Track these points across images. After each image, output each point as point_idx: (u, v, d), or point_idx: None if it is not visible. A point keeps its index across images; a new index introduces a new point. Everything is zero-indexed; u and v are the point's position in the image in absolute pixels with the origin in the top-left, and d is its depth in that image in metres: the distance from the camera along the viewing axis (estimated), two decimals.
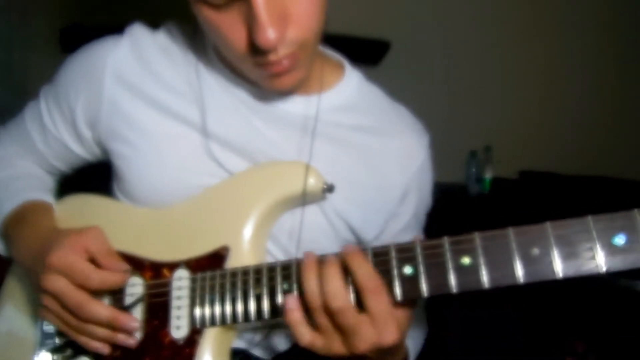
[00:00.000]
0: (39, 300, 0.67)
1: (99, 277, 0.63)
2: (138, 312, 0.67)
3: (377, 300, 0.55)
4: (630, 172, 2.31)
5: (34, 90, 0.81)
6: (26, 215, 0.74)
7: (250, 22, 0.57)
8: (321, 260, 0.57)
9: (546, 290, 1.76)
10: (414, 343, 0.77)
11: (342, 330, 0.56)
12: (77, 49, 0.77)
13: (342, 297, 0.54)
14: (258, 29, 0.57)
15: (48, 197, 0.79)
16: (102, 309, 0.63)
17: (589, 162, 2.43)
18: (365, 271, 0.55)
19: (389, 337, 0.55)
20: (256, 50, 0.59)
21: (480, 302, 1.71)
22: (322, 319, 0.56)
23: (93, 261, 0.65)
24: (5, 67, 1.93)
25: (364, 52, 2.07)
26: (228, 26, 0.60)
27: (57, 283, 0.63)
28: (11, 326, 0.77)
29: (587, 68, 2.48)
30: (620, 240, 0.49)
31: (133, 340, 0.65)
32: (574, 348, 1.85)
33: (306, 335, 0.57)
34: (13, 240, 0.74)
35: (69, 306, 0.63)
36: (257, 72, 0.64)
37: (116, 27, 0.76)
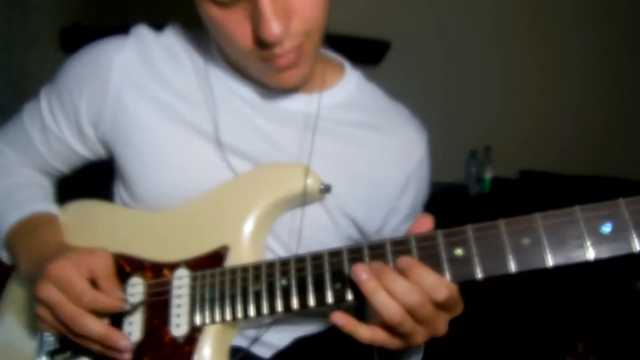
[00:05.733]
0: (34, 309, 0.67)
1: (91, 296, 0.63)
2: (139, 312, 0.67)
3: (450, 298, 0.54)
4: (630, 172, 2.31)
5: (34, 90, 0.81)
6: (35, 228, 0.74)
7: (256, 17, 0.59)
8: (375, 271, 0.55)
9: (547, 290, 1.76)
10: None
11: (424, 321, 0.55)
12: (77, 49, 0.77)
13: (415, 292, 0.53)
14: (263, 24, 0.58)
15: (53, 208, 0.79)
16: (95, 324, 0.62)
17: (589, 162, 2.43)
18: (430, 283, 0.53)
19: (461, 308, 0.58)
20: (262, 44, 0.61)
21: (480, 301, 1.71)
22: (407, 324, 0.54)
23: (93, 282, 0.65)
24: (5, 67, 1.94)
25: (364, 52, 2.06)
26: (234, 23, 0.62)
27: (51, 293, 0.62)
28: (12, 334, 0.77)
29: (587, 68, 2.48)
30: (606, 228, 0.51)
31: (127, 356, 0.64)
32: (574, 348, 1.85)
33: (367, 334, 0.56)
34: (20, 252, 0.73)
35: (61, 318, 0.63)
36: (263, 67, 0.65)
37: (116, 28, 0.76)
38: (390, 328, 0.55)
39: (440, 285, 0.53)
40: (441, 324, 0.57)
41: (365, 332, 0.56)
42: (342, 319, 0.56)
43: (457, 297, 0.56)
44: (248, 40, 0.62)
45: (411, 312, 0.54)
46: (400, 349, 0.58)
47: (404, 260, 0.55)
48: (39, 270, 0.65)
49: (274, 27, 0.58)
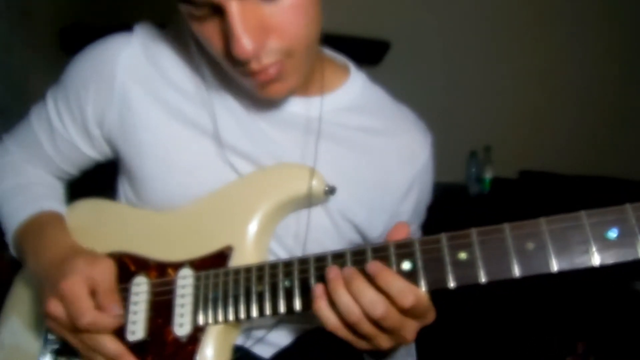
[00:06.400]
0: (43, 316, 0.67)
1: (91, 319, 0.62)
2: (142, 311, 0.67)
3: (417, 306, 0.55)
4: (630, 172, 2.31)
5: (34, 90, 0.81)
6: (42, 228, 0.74)
7: (228, 33, 0.57)
8: (344, 275, 0.56)
9: (546, 290, 1.76)
10: None
11: (388, 331, 0.56)
12: (77, 49, 0.76)
13: (381, 304, 0.54)
14: (233, 40, 0.57)
15: (61, 207, 0.79)
16: (111, 343, 0.63)
17: (589, 162, 2.44)
18: (397, 289, 0.54)
19: (432, 317, 0.58)
20: (236, 60, 0.59)
21: (481, 301, 1.71)
22: (367, 328, 0.55)
23: (94, 293, 0.65)
24: (5, 67, 1.93)
25: (364, 52, 2.07)
26: (210, 36, 0.61)
27: (58, 311, 0.63)
28: (17, 334, 0.78)
29: (587, 68, 2.48)
30: (613, 234, 0.50)
31: None
32: (574, 348, 1.85)
33: (332, 321, 0.56)
34: (28, 250, 0.73)
35: (80, 327, 0.63)
36: (246, 80, 0.64)
37: (116, 27, 0.76)
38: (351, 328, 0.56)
39: (407, 291, 0.54)
40: (408, 333, 0.57)
41: (331, 319, 0.56)
42: (320, 291, 0.57)
43: (426, 306, 0.56)
44: (223, 55, 0.61)
45: (376, 322, 0.55)
46: (378, 349, 0.59)
47: (373, 266, 0.55)
48: (50, 279, 0.66)
49: (245, 44, 0.56)
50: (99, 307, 0.64)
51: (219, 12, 0.57)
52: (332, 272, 0.56)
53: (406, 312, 0.55)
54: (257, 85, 0.64)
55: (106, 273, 0.66)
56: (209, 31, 0.60)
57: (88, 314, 0.62)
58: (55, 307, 0.63)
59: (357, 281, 0.55)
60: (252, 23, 0.57)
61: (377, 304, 0.54)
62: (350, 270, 0.56)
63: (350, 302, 0.55)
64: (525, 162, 2.48)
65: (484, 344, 1.85)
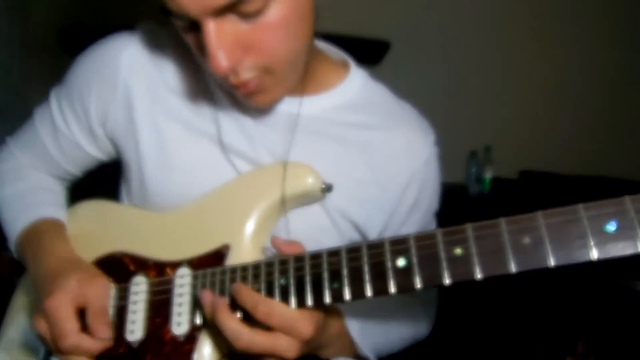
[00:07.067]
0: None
1: (74, 341, 0.62)
2: (141, 311, 0.67)
3: (275, 319, 0.57)
4: (630, 172, 2.31)
5: (34, 90, 0.81)
6: (41, 236, 0.74)
7: (204, 48, 0.58)
8: (215, 303, 0.60)
9: (546, 290, 1.76)
10: (383, 334, 0.78)
11: (266, 354, 0.58)
12: (77, 49, 0.76)
13: (243, 335, 0.57)
14: (208, 56, 0.57)
15: (61, 213, 0.79)
16: None
17: (589, 162, 2.44)
18: (251, 303, 0.58)
19: (305, 332, 0.58)
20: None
21: (481, 301, 1.71)
22: (240, 352, 0.58)
23: (83, 312, 0.65)
24: (5, 67, 1.93)
25: (364, 52, 2.06)
26: (193, 46, 0.62)
27: (41, 328, 0.64)
28: (23, 336, 0.78)
29: (587, 68, 2.48)
30: (611, 227, 0.49)
31: None
32: (574, 348, 1.85)
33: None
34: (28, 257, 0.74)
35: (61, 349, 0.63)
36: (232, 89, 0.65)
37: (116, 27, 0.76)
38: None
39: (262, 304, 0.58)
40: (287, 352, 0.58)
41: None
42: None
43: (292, 322, 0.57)
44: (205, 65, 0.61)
45: (244, 349, 0.57)
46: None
47: (234, 287, 0.60)
48: (41, 293, 0.66)
49: (218, 62, 0.57)
50: (86, 327, 0.64)
51: (197, 27, 0.57)
52: (206, 297, 0.61)
53: (266, 322, 0.57)
54: (241, 95, 0.65)
55: (100, 293, 0.66)
56: (191, 41, 0.61)
57: (70, 337, 0.62)
58: (39, 324, 0.64)
59: (221, 312, 0.58)
60: (229, 40, 0.57)
61: (238, 335, 0.57)
62: (220, 300, 0.60)
63: (219, 331, 0.58)
64: (525, 162, 2.47)
65: (483, 344, 1.85)
